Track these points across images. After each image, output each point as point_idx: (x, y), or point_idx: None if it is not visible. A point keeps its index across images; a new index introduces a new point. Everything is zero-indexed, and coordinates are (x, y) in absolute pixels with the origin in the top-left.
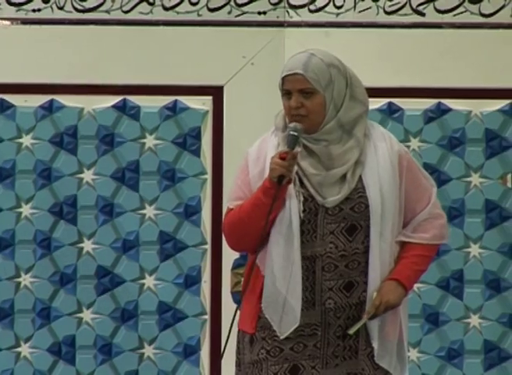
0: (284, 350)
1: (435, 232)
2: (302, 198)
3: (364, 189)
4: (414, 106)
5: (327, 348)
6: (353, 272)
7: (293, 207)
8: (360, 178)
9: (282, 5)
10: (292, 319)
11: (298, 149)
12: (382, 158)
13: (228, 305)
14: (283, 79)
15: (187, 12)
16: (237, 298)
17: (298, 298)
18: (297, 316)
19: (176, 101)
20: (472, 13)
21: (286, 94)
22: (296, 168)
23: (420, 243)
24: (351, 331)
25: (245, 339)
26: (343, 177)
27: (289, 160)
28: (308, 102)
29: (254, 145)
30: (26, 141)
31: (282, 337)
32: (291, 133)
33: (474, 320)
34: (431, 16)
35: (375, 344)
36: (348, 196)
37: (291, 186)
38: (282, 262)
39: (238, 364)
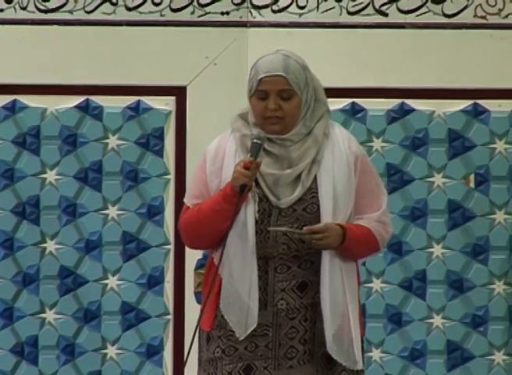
0: (238, 349)
1: (380, 230)
2: (257, 199)
3: (317, 189)
4: (377, 106)
5: (279, 349)
6: (306, 272)
7: (248, 208)
8: (315, 178)
9: (245, 5)
10: (250, 320)
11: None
12: (338, 158)
13: (191, 306)
14: (260, 80)
15: (150, 13)
16: (200, 298)
17: (255, 299)
18: (255, 317)
19: (138, 101)
20: (435, 13)
21: (261, 95)
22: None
23: (367, 226)
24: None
25: (203, 336)
26: (298, 177)
27: (253, 170)
28: (286, 105)
29: (212, 143)
30: None
31: (240, 338)
32: (255, 141)
33: (437, 320)
34: (394, 17)
35: (329, 343)
36: (301, 197)
37: None
38: (239, 263)
39: (200, 361)
